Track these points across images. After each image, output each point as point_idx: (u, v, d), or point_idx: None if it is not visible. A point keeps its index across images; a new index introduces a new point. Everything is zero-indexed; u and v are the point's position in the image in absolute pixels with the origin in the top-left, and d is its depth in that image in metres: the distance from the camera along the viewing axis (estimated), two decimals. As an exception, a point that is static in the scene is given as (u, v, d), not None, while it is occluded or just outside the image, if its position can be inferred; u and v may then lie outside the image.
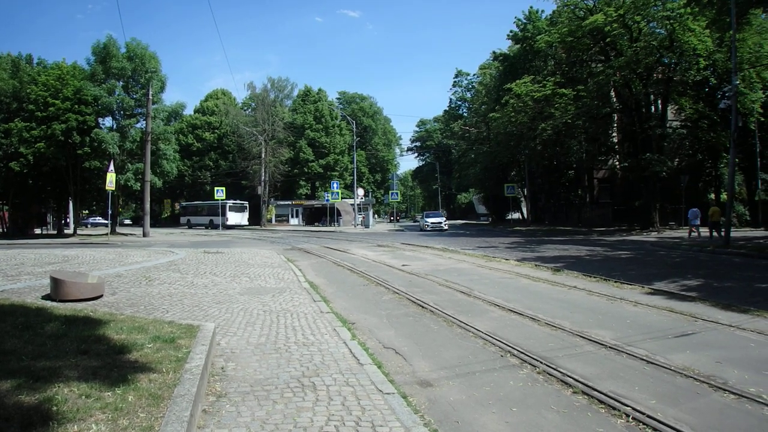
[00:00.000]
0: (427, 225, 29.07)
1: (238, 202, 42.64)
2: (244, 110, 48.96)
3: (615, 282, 8.00)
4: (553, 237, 21.38)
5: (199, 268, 9.79)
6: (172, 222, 50.30)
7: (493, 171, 36.67)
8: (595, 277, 8.48)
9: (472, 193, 60.03)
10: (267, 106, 42.55)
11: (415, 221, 56.73)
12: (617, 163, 28.93)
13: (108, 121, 27.16)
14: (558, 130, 24.56)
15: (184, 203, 48.04)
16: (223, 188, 34.82)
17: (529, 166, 33.14)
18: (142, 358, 3.77)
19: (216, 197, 34.07)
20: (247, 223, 41.21)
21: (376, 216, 74.39)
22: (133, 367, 3.58)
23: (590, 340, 4.89)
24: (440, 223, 29.23)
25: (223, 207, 39.22)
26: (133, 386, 3.23)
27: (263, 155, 41.61)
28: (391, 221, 56.65)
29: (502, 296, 7.00)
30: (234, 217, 41.69)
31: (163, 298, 6.58)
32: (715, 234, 17.37)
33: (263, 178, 41.79)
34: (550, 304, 6.52)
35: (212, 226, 41.22)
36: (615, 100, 26.05)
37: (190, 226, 43.82)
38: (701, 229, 19.04)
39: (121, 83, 26.68)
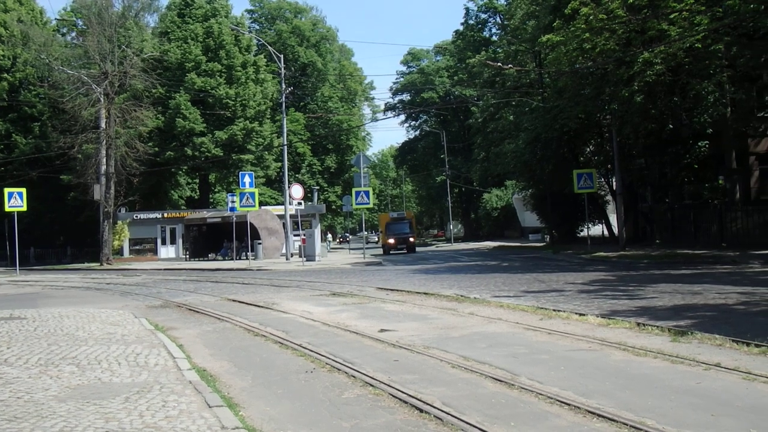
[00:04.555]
0: None
1: None
2: (63, 35, 48.80)
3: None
4: (669, 268, 22.82)
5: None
6: None
7: (550, 146, 37.05)
8: (758, 347, 9.04)
9: (511, 188, 60.37)
10: (109, 27, 42.51)
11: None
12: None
13: None
14: (676, 64, 24.67)
15: None
16: (23, 190, 35.22)
17: (620, 135, 33.10)
18: None
19: (7, 207, 33.73)
20: None
21: (329, 237, 73.60)
22: None
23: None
24: None
25: None
26: None
27: (103, 123, 42.30)
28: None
29: (573, 386, 7.53)
30: None
31: None
32: None
33: (104, 168, 42.36)
34: (670, 399, 6.96)
35: None
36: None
37: None
38: None
39: None
